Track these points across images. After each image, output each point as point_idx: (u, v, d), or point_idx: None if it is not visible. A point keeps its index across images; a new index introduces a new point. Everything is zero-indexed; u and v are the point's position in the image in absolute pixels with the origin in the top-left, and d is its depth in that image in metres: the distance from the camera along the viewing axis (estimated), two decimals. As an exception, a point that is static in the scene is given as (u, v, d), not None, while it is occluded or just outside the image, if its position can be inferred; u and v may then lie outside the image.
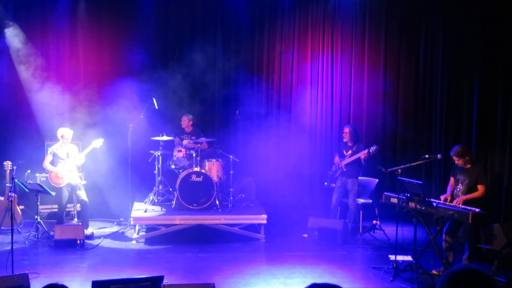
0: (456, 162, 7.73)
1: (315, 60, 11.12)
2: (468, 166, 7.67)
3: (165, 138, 10.08)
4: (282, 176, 10.71)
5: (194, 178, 9.57)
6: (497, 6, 9.29)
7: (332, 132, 11.14)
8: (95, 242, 9.01)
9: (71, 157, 9.35)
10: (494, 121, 9.36)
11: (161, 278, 5.15)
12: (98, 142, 9.48)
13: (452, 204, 7.50)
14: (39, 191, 8.80)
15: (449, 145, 9.24)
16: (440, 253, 7.71)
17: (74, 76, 10.75)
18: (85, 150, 9.46)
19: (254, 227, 9.39)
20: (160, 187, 10.19)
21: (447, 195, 7.83)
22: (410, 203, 7.57)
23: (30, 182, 9.13)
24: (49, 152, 9.40)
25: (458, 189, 7.73)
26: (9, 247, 7.32)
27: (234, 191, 10.06)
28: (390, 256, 8.23)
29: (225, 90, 11.24)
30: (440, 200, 7.73)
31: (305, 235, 9.45)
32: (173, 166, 10.12)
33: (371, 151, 9.16)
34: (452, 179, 7.92)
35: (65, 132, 9.29)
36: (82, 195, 9.38)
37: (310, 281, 6.68)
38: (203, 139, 10.11)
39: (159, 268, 7.85)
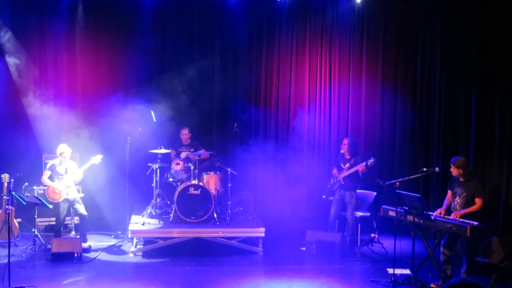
0: (452, 171, 7.75)
1: (313, 73, 11.14)
2: (466, 179, 7.68)
3: (163, 151, 10.08)
4: (280, 189, 10.69)
5: (192, 191, 9.55)
6: (493, 20, 9.36)
7: (330, 145, 11.14)
8: (92, 255, 8.96)
9: (70, 173, 9.32)
10: (492, 133, 9.39)
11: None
12: (97, 159, 9.45)
13: (450, 217, 7.50)
14: (37, 204, 8.78)
15: (447, 158, 9.25)
16: (439, 266, 7.70)
17: (72, 89, 10.75)
18: (84, 166, 9.43)
19: (252, 240, 9.36)
20: (158, 200, 10.16)
21: (442, 209, 7.83)
22: (408, 216, 7.58)
23: (28, 195, 9.12)
24: (47, 167, 9.35)
25: (455, 202, 7.73)
26: (6, 260, 7.27)
27: (232, 204, 10.04)
28: (388, 269, 8.19)
29: (223, 103, 11.26)
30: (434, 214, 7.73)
31: (303, 248, 9.43)
32: (171, 179, 10.11)
33: (369, 163, 9.18)
34: (449, 192, 7.93)
35: (64, 150, 9.25)
36: (81, 209, 9.34)
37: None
38: (202, 150, 10.14)
39: (157, 281, 7.83)
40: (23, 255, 8.88)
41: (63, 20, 10.57)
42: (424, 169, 8.23)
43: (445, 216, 7.60)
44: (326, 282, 7.88)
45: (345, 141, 9.58)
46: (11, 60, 10.35)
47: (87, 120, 10.50)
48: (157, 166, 10.07)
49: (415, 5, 10.65)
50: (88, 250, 9.15)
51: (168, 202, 10.20)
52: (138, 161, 10.31)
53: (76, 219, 9.79)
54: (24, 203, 8.73)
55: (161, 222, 9.65)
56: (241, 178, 10.56)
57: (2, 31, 10.28)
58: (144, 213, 9.97)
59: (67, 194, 9.27)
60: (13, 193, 8.05)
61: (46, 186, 9.37)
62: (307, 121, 11.15)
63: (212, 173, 10.08)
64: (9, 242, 7.31)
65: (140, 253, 9.12)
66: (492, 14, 9.39)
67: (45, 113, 10.32)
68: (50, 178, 9.25)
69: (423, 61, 10.64)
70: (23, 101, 10.42)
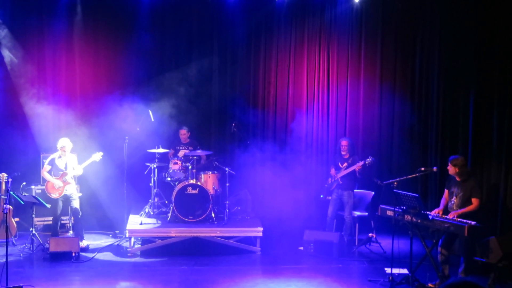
0: (448, 169, 7.75)
1: (311, 73, 11.14)
2: (462, 179, 7.68)
3: (161, 150, 10.07)
4: (279, 188, 10.69)
5: (190, 190, 9.55)
6: (492, 20, 9.36)
7: (328, 144, 11.13)
8: (90, 254, 8.95)
9: (70, 168, 9.32)
10: (490, 134, 9.39)
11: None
12: (97, 156, 9.46)
13: (448, 217, 7.50)
14: (34, 203, 8.77)
15: (445, 158, 9.24)
16: (436, 266, 7.70)
17: (70, 88, 10.73)
18: (84, 163, 9.43)
19: (250, 240, 9.36)
20: (156, 199, 10.16)
21: (439, 209, 7.84)
22: (406, 216, 7.58)
23: (25, 194, 9.11)
24: (47, 161, 9.34)
25: (452, 202, 7.74)
26: (4, 260, 7.26)
27: (230, 203, 10.05)
28: (386, 269, 8.19)
29: (221, 103, 11.25)
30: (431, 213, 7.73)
31: (301, 248, 9.43)
32: (169, 179, 10.12)
33: (367, 162, 9.19)
34: (446, 191, 7.94)
35: (65, 144, 9.24)
36: (75, 204, 9.33)
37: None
38: (199, 151, 10.14)
39: (155, 280, 7.83)
40: (21, 255, 8.87)
41: (62, 19, 10.53)
42: (422, 168, 8.23)
43: (443, 216, 7.60)
44: (324, 282, 7.88)
45: (344, 142, 9.58)
46: (9, 59, 10.33)
47: (85, 119, 10.48)
48: (155, 166, 10.07)
49: (413, 5, 10.65)
50: (86, 249, 9.15)
51: (166, 202, 10.19)
52: (136, 160, 10.30)
53: (73, 219, 9.77)
54: (22, 203, 8.71)
55: (159, 222, 9.65)
56: (239, 178, 10.55)
57: (0, 29, 10.27)
58: (142, 212, 9.97)
59: (66, 190, 9.27)
60: (11, 192, 8.04)
61: (44, 183, 9.36)
62: (305, 121, 11.13)
63: (210, 172, 10.07)
64: (7, 242, 7.29)
65: (138, 253, 9.11)
66: (491, 15, 9.40)
67: (43, 112, 10.30)
68: (49, 172, 9.24)
69: (421, 61, 10.64)
70: (21, 100, 10.39)
